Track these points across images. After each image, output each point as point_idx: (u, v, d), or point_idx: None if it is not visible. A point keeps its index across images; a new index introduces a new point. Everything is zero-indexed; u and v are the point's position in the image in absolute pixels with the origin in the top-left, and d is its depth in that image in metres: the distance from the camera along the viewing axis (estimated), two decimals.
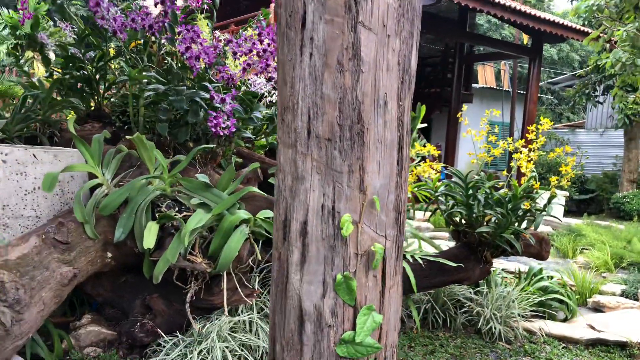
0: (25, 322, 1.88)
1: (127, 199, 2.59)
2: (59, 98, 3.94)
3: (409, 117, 1.46)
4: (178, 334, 2.71)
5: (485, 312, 3.83)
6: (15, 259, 2.01)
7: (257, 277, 3.12)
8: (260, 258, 2.72)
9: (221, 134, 2.78)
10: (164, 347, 2.64)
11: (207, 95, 2.97)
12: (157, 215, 2.56)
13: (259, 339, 2.80)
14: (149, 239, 2.33)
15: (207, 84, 3.06)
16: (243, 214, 2.57)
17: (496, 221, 3.52)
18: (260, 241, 2.85)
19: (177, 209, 2.61)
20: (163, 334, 2.67)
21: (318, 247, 1.41)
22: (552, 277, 4.61)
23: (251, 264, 2.71)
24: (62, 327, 2.87)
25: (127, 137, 2.75)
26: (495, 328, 3.76)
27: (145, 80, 3.08)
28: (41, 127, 3.77)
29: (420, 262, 3.37)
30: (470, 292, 4.05)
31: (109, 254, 2.58)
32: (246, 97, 3.29)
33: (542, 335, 3.87)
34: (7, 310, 1.78)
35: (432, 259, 3.41)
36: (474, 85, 15.72)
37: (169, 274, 2.59)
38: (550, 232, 8.74)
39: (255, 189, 2.77)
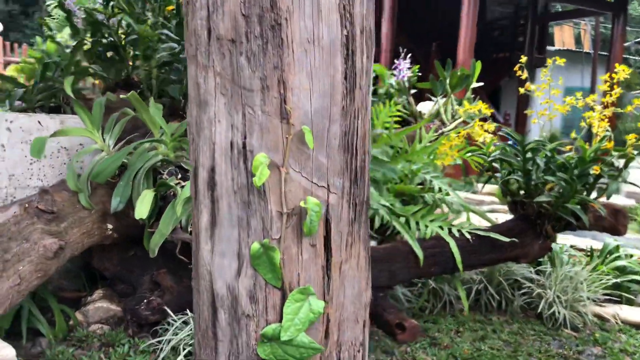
0: None
1: (127, 165, 2.35)
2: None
3: (370, 13, 1.02)
4: (188, 312, 2.47)
5: (547, 294, 3.35)
6: None
7: None
8: None
9: None
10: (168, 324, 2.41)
11: None
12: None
13: None
14: (142, 208, 2.08)
15: None
16: None
17: (559, 189, 3.02)
18: None
19: (180, 176, 2.34)
20: (171, 313, 2.44)
21: (230, 203, 1.01)
22: (631, 256, 4.01)
23: None
24: (75, 303, 2.71)
25: (121, 95, 2.51)
26: (559, 313, 3.28)
27: (156, 39, 2.82)
28: (65, 97, 3.63)
29: (468, 236, 2.94)
30: (531, 272, 3.57)
31: (109, 226, 2.37)
32: None
33: (617, 323, 3.34)
34: None
35: (482, 233, 2.97)
36: (549, 48, 14.53)
37: (173, 247, 2.34)
38: (632, 206, 7.87)
39: None
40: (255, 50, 0.88)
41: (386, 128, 3.43)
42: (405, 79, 4.39)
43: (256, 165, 0.91)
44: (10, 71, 4.76)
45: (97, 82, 4.02)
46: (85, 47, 3.74)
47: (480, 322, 3.27)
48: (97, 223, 2.30)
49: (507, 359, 2.81)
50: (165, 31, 2.88)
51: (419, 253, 2.78)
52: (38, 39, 4.19)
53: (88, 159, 2.63)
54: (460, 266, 2.85)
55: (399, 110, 4.46)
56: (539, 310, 3.34)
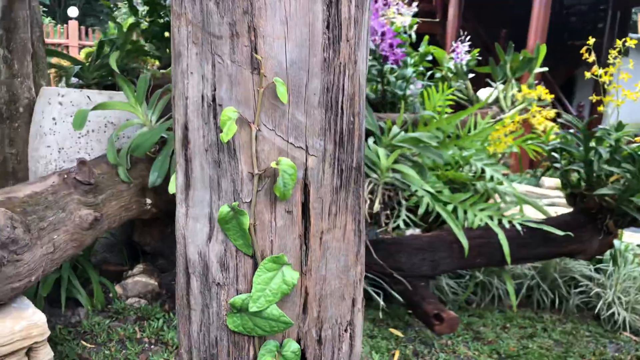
0: (23, 264, 1.74)
1: (167, 141, 2.36)
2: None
3: None
4: None
5: (607, 294, 3.12)
6: (22, 196, 1.87)
7: None
8: None
9: None
10: None
11: None
12: None
13: None
14: (174, 183, 2.07)
15: None
16: None
17: (624, 182, 2.78)
18: None
19: None
20: None
21: (202, 163, 0.94)
22: None
23: None
24: (117, 277, 2.78)
25: (162, 70, 2.51)
26: (618, 314, 3.05)
27: None
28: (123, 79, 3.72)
29: (519, 228, 2.76)
30: (590, 270, 3.33)
31: (148, 200, 2.39)
32: None
33: None
34: None
35: (534, 225, 2.79)
36: (631, 34, 13.57)
37: None
38: None
39: None
40: None
41: (438, 112, 3.28)
42: (464, 62, 4.19)
43: (224, 120, 0.84)
44: (82, 55, 4.95)
45: (154, 61, 4.09)
46: (143, 27, 3.82)
47: (530, 319, 3.09)
48: (135, 197, 2.33)
49: (556, 359, 2.64)
50: None
51: (464, 242, 2.64)
52: (111, 23, 4.30)
53: (132, 133, 2.67)
54: (508, 259, 2.69)
55: (454, 95, 4.28)
56: (596, 311, 3.12)
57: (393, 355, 2.55)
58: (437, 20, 10.40)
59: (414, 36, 4.32)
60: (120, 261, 2.87)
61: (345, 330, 1.04)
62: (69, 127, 2.73)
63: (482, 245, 2.76)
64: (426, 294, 2.55)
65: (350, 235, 0.99)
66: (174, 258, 2.70)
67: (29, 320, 1.73)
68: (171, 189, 2.06)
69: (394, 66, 4.18)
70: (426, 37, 4.33)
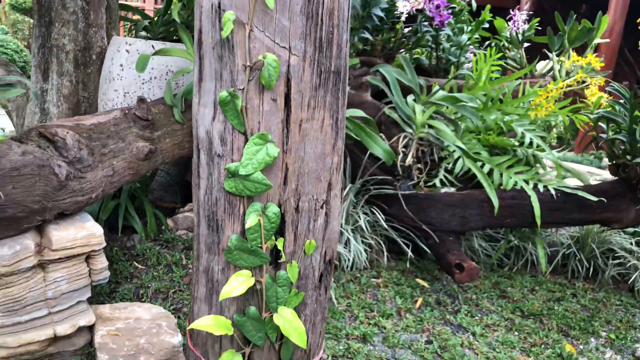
0: (86, 181, 2.01)
1: None
2: None
3: None
4: None
5: None
6: (88, 125, 2.14)
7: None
8: None
9: None
10: None
11: None
12: None
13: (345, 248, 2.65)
14: None
15: None
16: None
17: None
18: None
19: None
20: None
21: (210, 59, 1.14)
22: None
23: None
24: (170, 212, 3.06)
25: None
26: None
27: None
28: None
29: (553, 192, 2.81)
30: (631, 243, 3.32)
31: None
32: None
33: None
34: (64, 165, 1.90)
35: (569, 190, 2.82)
36: None
37: None
38: None
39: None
40: None
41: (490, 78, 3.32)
42: (520, 31, 4.15)
43: (224, 20, 1.04)
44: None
45: None
46: None
47: (560, 285, 3.13)
48: (187, 137, 2.56)
49: (579, 321, 2.69)
50: None
51: (495, 201, 2.72)
52: None
53: (189, 80, 2.91)
54: (538, 220, 2.75)
55: (507, 63, 4.27)
56: (630, 282, 3.12)
57: (416, 301, 2.69)
58: None
59: (474, 4, 4.33)
60: (173, 199, 3.15)
61: (322, 207, 1.23)
62: (134, 73, 3.00)
63: (513, 206, 2.82)
64: (452, 247, 2.67)
65: (328, 128, 1.16)
66: None
67: (88, 230, 1.99)
68: None
69: (450, 33, 4.21)
70: (488, 6, 4.32)
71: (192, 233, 2.88)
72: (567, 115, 3.27)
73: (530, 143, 3.05)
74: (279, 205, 1.26)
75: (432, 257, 3.13)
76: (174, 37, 3.94)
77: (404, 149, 2.58)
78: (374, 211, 2.91)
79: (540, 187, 2.88)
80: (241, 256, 1.26)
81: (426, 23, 4.11)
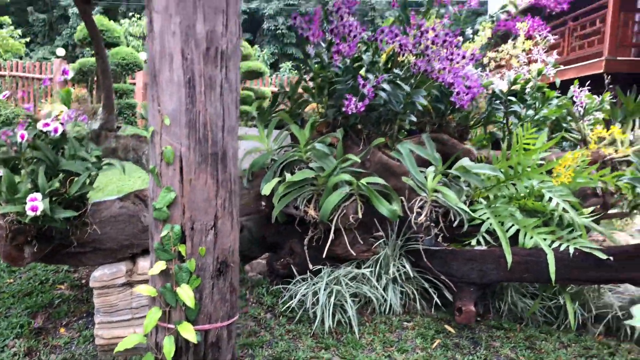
0: None
1: (275, 160, 3.40)
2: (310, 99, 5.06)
3: (202, 63, 1.91)
4: (308, 273, 3.37)
5: None
6: None
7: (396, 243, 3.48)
8: (360, 216, 3.12)
9: (349, 112, 3.26)
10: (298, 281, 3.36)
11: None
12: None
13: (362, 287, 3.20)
14: (267, 188, 3.08)
15: (359, 71, 3.60)
16: (345, 176, 3.04)
17: None
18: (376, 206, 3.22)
19: (303, 168, 3.27)
20: (294, 271, 3.37)
21: (152, 149, 2.07)
22: None
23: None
24: (250, 260, 3.89)
25: (274, 115, 3.56)
26: None
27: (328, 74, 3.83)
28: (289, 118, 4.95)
29: (571, 250, 3.06)
30: None
31: (263, 203, 3.44)
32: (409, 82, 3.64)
33: None
34: (149, 216, 2.83)
35: (587, 250, 3.06)
36: None
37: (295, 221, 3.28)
38: None
39: (354, 158, 3.16)
40: (151, 84, 1.85)
41: (525, 149, 3.71)
42: (583, 105, 4.42)
43: (149, 130, 1.88)
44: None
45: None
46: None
47: (602, 345, 3.20)
48: (253, 199, 3.40)
49: None
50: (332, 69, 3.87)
51: (508, 257, 3.07)
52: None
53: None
54: (552, 276, 3.02)
55: (571, 135, 4.52)
56: None
57: (434, 342, 3.09)
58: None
59: (557, 81, 4.74)
60: (255, 251, 3.98)
61: (211, 229, 1.95)
62: None
63: (529, 262, 3.13)
64: (464, 295, 3.05)
65: (210, 184, 1.97)
66: (281, 247, 3.69)
67: None
68: (264, 191, 3.06)
69: (517, 109, 4.62)
70: (576, 81, 4.69)
71: (260, 275, 3.66)
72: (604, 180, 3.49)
73: (555, 204, 3.35)
74: (181, 226, 2.06)
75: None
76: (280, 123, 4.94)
77: (419, 210, 3.10)
78: (404, 264, 3.41)
79: (561, 245, 3.15)
80: (160, 253, 2.07)
81: (498, 102, 4.61)
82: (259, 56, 20.00)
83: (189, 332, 2.02)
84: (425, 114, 4.54)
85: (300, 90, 4.99)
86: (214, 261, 2.10)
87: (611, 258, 2.93)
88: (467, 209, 3.12)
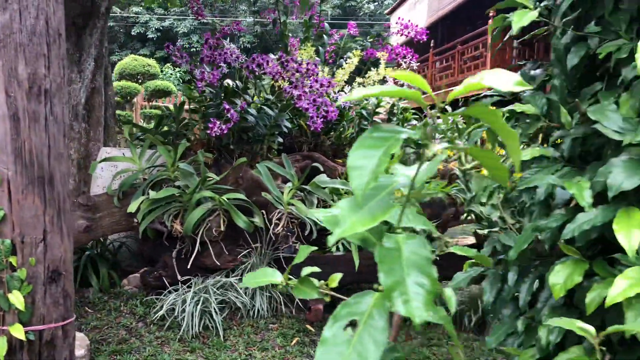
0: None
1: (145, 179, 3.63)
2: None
3: (25, 100, 2.11)
4: (180, 284, 3.61)
5: None
6: None
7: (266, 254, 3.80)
8: (222, 229, 3.42)
9: (213, 135, 3.58)
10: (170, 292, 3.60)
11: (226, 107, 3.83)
12: None
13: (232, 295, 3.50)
14: (133, 205, 3.32)
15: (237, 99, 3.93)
16: (207, 192, 3.33)
17: None
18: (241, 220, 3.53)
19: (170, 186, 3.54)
20: (167, 283, 3.60)
21: None
22: None
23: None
24: (129, 273, 4.08)
25: (143, 136, 3.81)
26: None
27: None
28: (174, 138, 5.19)
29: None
30: None
31: (135, 220, 3.66)
32: (275, 107, 4.01)
33: None
34: None
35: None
36: None
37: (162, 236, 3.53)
38: None
39: (214, 177, 3.48)
40: None
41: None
42: (434, 125, 4.97)
43: None
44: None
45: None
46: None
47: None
48: (124, 216, 3.61)
49: None
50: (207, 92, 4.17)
51: (356, 261, 3.47)
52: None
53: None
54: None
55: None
56: None
57: (293, 340, 3.43)
58: None
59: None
60: (134, 265, 4.18)
61: (40, 242, 2.19)
62: (110, 171, 4.16)
63: (371, 265, 3.54)
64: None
65: (37, 203, 2.18)
66: (159, 259, 3.91)
67: None
68: (130, 209, 3.29)
69: None
70: (461, 101, 5.21)
71: (136, 289, 3.86)
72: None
73: None
74: (11, 240, 2.25)
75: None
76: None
77: (277, 221, 3.45)
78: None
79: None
80: None
81: (365, 122, 5.08)
82: (171, 74, 19.92)
83: (19, 332, 2.23)
84: (303, 134, 4.94)
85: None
86: (45, 270, 2.31)
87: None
88: (317, 219, 3.48)
